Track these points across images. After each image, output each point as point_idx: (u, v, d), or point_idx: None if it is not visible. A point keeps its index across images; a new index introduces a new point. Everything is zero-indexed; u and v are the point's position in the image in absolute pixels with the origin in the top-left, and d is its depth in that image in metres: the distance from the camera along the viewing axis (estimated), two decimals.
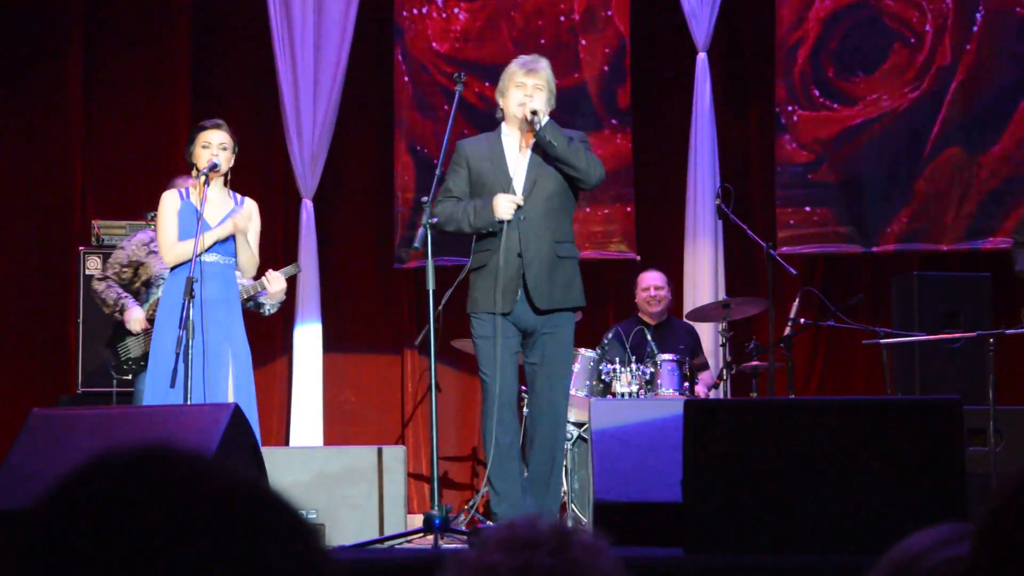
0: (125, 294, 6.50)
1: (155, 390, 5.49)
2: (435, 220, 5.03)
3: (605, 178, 5.57)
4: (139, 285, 6.55)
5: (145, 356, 6.38)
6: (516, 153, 5.45)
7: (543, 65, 5.48)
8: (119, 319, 6.52)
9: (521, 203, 5.31)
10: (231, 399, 5.51)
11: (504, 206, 5.28)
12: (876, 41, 8.44)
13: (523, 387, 6.70)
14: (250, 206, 5.88)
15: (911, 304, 7.44)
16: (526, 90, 5.38)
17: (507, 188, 5.35)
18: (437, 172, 5.24)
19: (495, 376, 5.22)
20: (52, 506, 0.89)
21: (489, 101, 8.25)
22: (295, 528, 0.92)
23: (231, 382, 5.62)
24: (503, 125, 5.49)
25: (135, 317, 6.44)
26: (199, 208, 5.61)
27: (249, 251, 5.76)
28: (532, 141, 5.41)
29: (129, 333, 6.49)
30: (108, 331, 6.66)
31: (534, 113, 5.30)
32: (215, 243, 5.70)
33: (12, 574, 0.86)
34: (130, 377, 6.61)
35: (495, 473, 5.17)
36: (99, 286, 6.56)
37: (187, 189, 5.78)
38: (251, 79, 8.55)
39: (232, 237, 5.69)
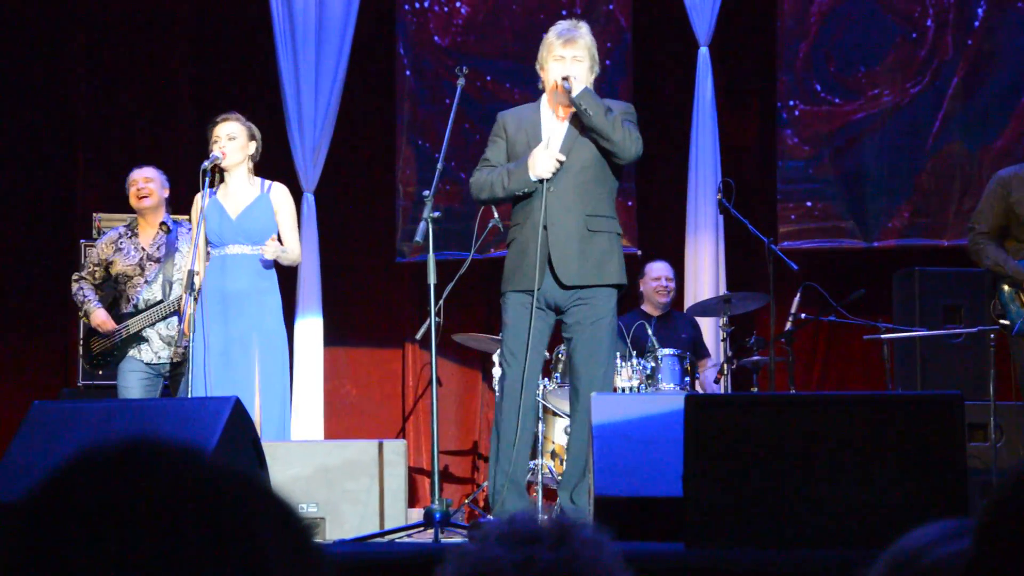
0: (91, 296, 6.42)
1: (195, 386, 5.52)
2: (436, 214, 4.96)
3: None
4: (114, 283, 6.47)
5: (109, 353, 6.36)
6: (553, 123, 5.28)
7: (582, 32, 5.27)
8: (86, 322, 6.51)
9: (562, 159, 5.13)
10: (258, 391, 5.53)
11: (543, 162, 5.11)
12: (878, 36, 8.43)
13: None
14: (278, 196, 5.94)
15: (912, 299, 7.43)
16: (565, 63, 5.19)
17: None
18: (439, 165, 5.13)
19: (510, 364, 5.13)
20: (39, 501, 0.89)
21: (490, 95, 8.28)
22: (286, 521, 0.91)
23: (258, 374, 5.62)
24: (544, 96, 5.34)
25: (98, 320, 6.37)
26: (202, 200, 5.65)
27: (287, 257, 5.83)
28: (571, 112, 5.24)
29: (95, 331, 6.44)
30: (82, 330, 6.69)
31: (565, 79, 5.12)
32: (238, 235, 5.76)
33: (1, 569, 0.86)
34: (101, 372, 6.60)
35: (496, 468, 5.15)
36: (72, 287, 6.50)
37: (216, 187, 5.86)
38: (252, 72, 8.54)
39: (267, 233, 5.80)
